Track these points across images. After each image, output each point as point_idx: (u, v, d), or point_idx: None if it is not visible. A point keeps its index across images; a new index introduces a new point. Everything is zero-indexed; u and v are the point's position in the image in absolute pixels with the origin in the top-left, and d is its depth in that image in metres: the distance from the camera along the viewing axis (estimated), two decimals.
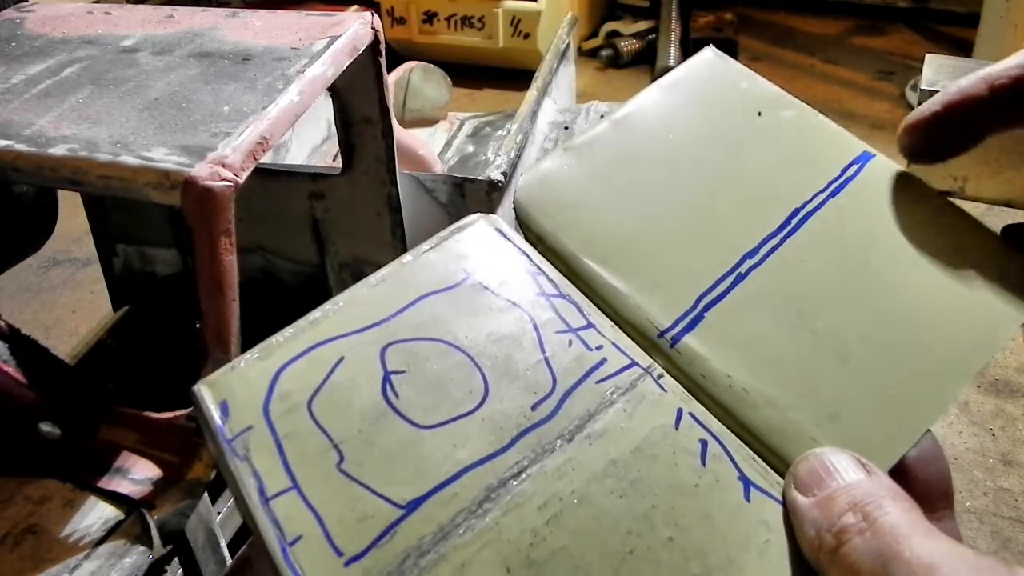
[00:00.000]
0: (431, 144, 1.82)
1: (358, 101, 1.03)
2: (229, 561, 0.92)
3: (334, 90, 1.01)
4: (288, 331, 0.32)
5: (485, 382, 0.32)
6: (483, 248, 0.36)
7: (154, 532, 0.79)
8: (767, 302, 0.35)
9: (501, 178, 1.22)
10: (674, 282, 0.35)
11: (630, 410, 0.31)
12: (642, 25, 3.17)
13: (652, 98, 0.41)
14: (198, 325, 0.90)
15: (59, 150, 0.73)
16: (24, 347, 0.84)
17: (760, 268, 0.35)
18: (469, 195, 1.23)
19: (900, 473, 0.31)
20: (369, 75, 1.00)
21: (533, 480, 0.29)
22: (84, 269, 2.09)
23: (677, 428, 0.31)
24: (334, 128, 1.09)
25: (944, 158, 0.35)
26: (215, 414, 0.30)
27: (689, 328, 0.34)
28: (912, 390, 0.33)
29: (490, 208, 1.22)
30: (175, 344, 1.24)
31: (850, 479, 0.29)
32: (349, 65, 0.91)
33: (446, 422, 0.30)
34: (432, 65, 2.06)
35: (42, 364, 0.85)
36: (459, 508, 0.28)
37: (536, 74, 1.58)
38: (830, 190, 0.38)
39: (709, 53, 0.43)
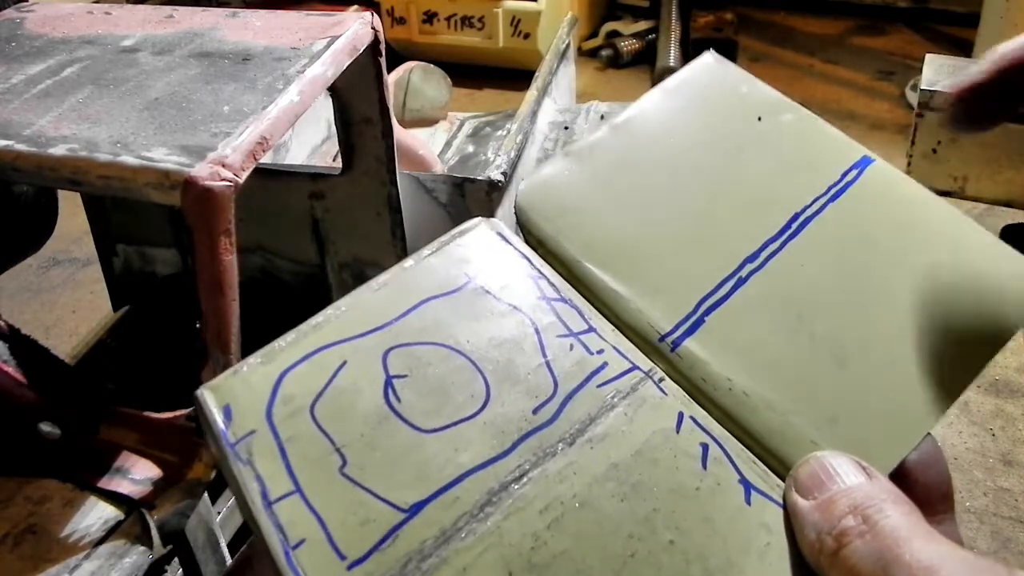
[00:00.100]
0: (431, 144, 1.82)
1: (358, 101, 1.03)
2: (229, 561, 0.92)
3: (334, 90, 1.01)
4: (291, 336, 0.32)
5: (487, 386, 0.32)
6: (484, 252, 0.36)
7: (154, 532, 0.79)
8: (767, 306, 0.35)
9: (501, 178, 1.22)
10: (675, 286, 0.35)
11: (631, 414, 0.31)
12: (642, 25, 3.17)
13: (652, 103, 0.41)
14: (198, 325, 0.90)
15: (59, 150, 0.73)
16: (24, 347, 0.84)
17: (760, 272, 0.36)
18: (469, 195, 1.23)
19: (900, 476, 0.31)
20: (369, 75, 1.00)
21: (534, 484, 0.29)
22: (84, 269, 2.09)
23: (678, 432, 0.31)
24: (334, 128, 1.09)
25: (996, 123, 0.34)
26: (218, 418, 0.30)
27: (690, 332, 0.34)
28: (912, 393, 0.33)
29: (490, 208, 1.22)
30: (175, 344, 1.24)
31: (851, 482, 0.29)
32: (349, 65, 0.91)
33: (448, 426, 0.31)
34: (432, 65, 2.06)
35: (42, 364, 0.85)
36: (461, 512, 0.28)
37: (536, 74, 1.58)
38: (830, 194, 0.38)
39: (709, 58, 0.43)
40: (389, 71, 1.06)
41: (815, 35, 3.29)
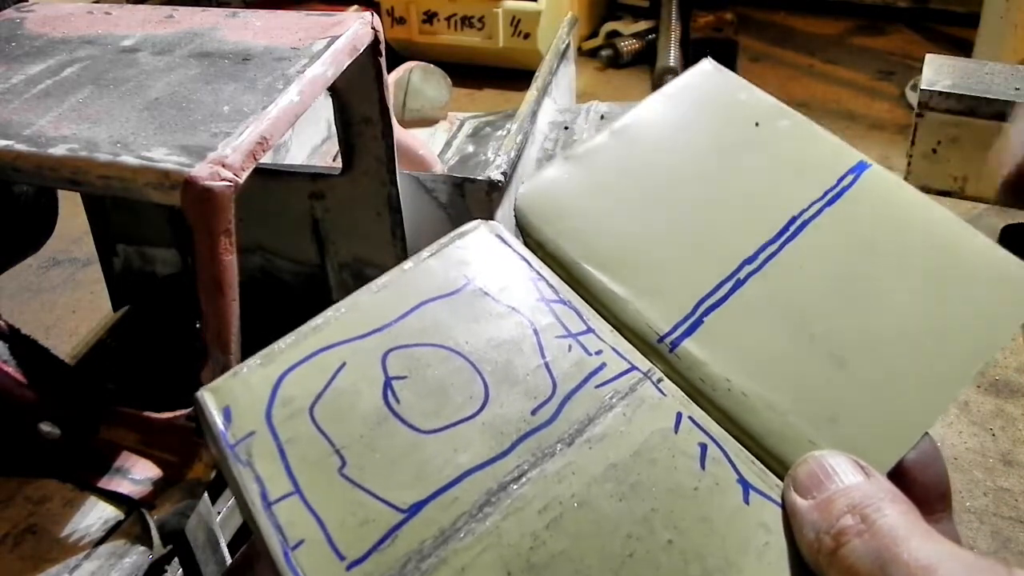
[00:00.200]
0: (431, 144, 1.82)
1: (358, 101, 1.03)
2: (229, 561, 0.92)
3: (334, 90, 1.01)
4: (290, 337, 0.33)
5: (485, 387, 0.32)
6: (484, 254, 0.36)
7: (154, 532, 0.79)
8: (765, 307, 0.35)
9: (501, 178, 1.22)
10: (673, 288, 0.36)
11: (629, 414, 0.32)
12: (642, 25, 3.17)
13: (651, 109, 0.42)
14: (198, 325, 0.90)
15: (59, 150, 0.73)
16: (24, 347, 0.84)
17: (758, 274, 0.36)
18: (469, 195, 1.23)
19: (898, 475, 0.31)
20: (369, 75, 1.00)
21: (533, 484, 0.29)
22: (84, 269, 2.09)
23: (676, 432, 0.31)
24: (334, 128, 1.09)
25: None
26: (218, 420, 0.30)
27: (688, 333, 0.34)
28: (910, 393, 0.33)
29: (490, 208, 1.22)
30: (175, 344, 1.24)
31: (849, 482, 0.29)
32: (349, 65, 0.91)
33: (447, 427, 0.31)
34: (432, 65, 2.06)
35: (42, 364, 0.85)
36: (460, 512, 0.29)
37: (536, 74, 1.58)
38: (827, 199, 0.38)
39: (707, 65, 0.44)
40: (389, 71, 1.06)
41: (815, 35, 3.29)
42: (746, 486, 0.30)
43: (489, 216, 0.39)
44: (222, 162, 0.72)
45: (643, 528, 0.29)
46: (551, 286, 0.36)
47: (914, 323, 0.34)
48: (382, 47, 0.99)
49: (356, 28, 0.93)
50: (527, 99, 1.48)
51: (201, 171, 0.70)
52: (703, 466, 0.31)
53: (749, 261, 0.36)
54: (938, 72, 1.46)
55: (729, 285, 0.36)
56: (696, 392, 0.33)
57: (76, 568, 0.76)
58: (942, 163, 1.47)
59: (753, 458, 0.31)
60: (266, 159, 1.18)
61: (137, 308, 1.35)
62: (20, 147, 0.74)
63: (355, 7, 1.25)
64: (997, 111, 1.40)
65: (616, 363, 0.33)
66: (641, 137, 0.41)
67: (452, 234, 0.37)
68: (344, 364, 0.32)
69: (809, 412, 0.32)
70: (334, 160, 1.59)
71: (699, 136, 0.41)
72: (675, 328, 0.34)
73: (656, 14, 3.16)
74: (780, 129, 0.41)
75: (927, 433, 0.32)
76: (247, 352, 0.33)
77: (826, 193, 0.38)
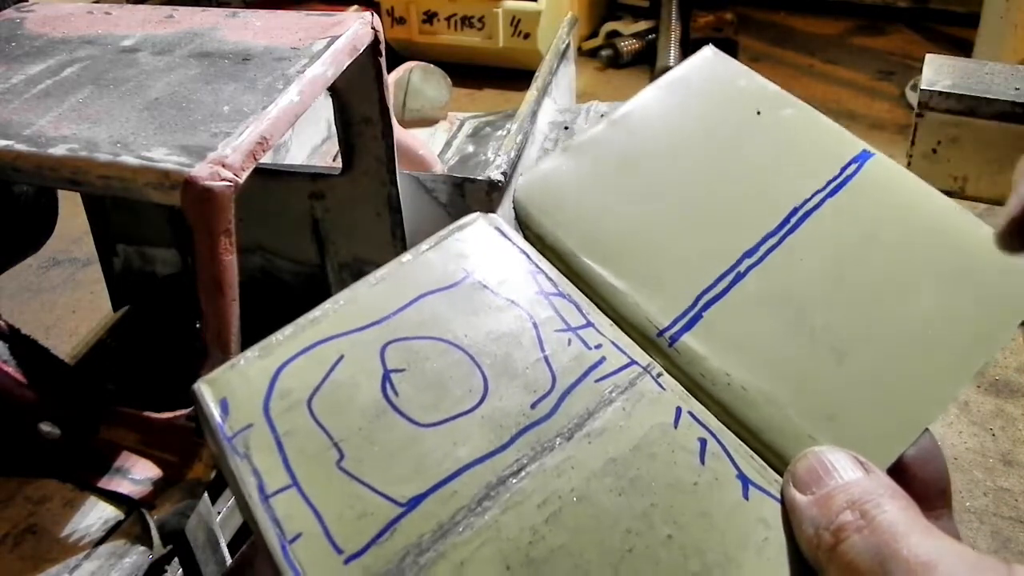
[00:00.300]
0: (431, 144, 1.82)
1: (358, 101, 1.03)
2: (229, 561, 0.92)
3: (334, 90, 1.01)
4: (288, 329, 0.32)
5: (485, 380, 0.32)
6: (482, 247, 0.36)
7: (154, 532, 0.79)
8: (766, 301, 0.35)
9: (501, 178, 1.22)
10: (673, 281, 0.35)
11: (629, 408, 0.31)
12: (642, 25, 3.17)
13: (651, 97, 0.41)
14: (198, 325, 0.90)
15: (59, 150, 0.73)
16: (24, 347, 0.84)
17: (759, 267, 0.35)
18: (469, 195, 1.23)
19: (898, 471, 0.31)
20: (369, 75, 1.00)
21: (532, 478, 0.29)
22: (84, 269, 2.09)
23: (676, 426, 0.31)
24: (334, 128, 1.09)
25: None
26: (215, 412, 0.30)
27: (688, 327, 0.34)
28: (910, 389, 0.33)
29: (490, 208, 1.22)
30: (175, 344, 1.24)
31: (848, 477, 0.29)
32: (349, 65, 0.91)
33: (446, 420, 0.31)
34: (432, 65, 2.06)
35: (42, 364, 0.85)
36: (459, 506, 0.28)
37: (536, 74, 1.58)
38: (829, 189, 0.38)
39: (708, 52, 0.43)
40: (389, 71, 1.06)
41: (815, 35, 3.29)
42: (745, 481, 0.30)
43: None
44: (222, 162, 0.72)
45: (642, 523, 0.29)
46: (550, 279, 0.36)
47: (916, 317, 0.34)
48: (382, 47, 0.99)
49: (356, 28, 0.93)
50: (527, 99, 1.48)
51: (201, 171, 0.70)
52: (703, 461, 0.30)
53: (750, 254, 0.36)
54: (938, 72, 1.46)
55: (729, 278, 0.35)
56: (696, 387, 0.33)
57: (76, 568, 0.76)
58: (942, 163, 1.47)
59: (753, 453, 0.31)
60: (266, 159, 1.18)
61: (137, 308, 1.35)
62: (20, 147, 0.74)
63: (355, 7, 1.25)
64: (997, 111, 1.40)
65: (616, 357, 0.33)
66: (640, 126, 0.40)
67: (451, 227, 0.37)
68: (342, 357, 0.32)
69: (809, 407, 0.32)
70: (334, 160, 1.59)
71: (699, 125, 0.40)
72: (675, 322, 0.34)
73: (656, 14, 3.16)
74: (782, 117, 0.40)
75: (927, 429, 0.32)
76: None
77: (828, 183, 0.38)
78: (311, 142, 1.70)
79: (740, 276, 0.35)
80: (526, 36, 2.78)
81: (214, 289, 0.74)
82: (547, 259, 0.36)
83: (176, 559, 0.87)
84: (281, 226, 1.23)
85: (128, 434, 0.85)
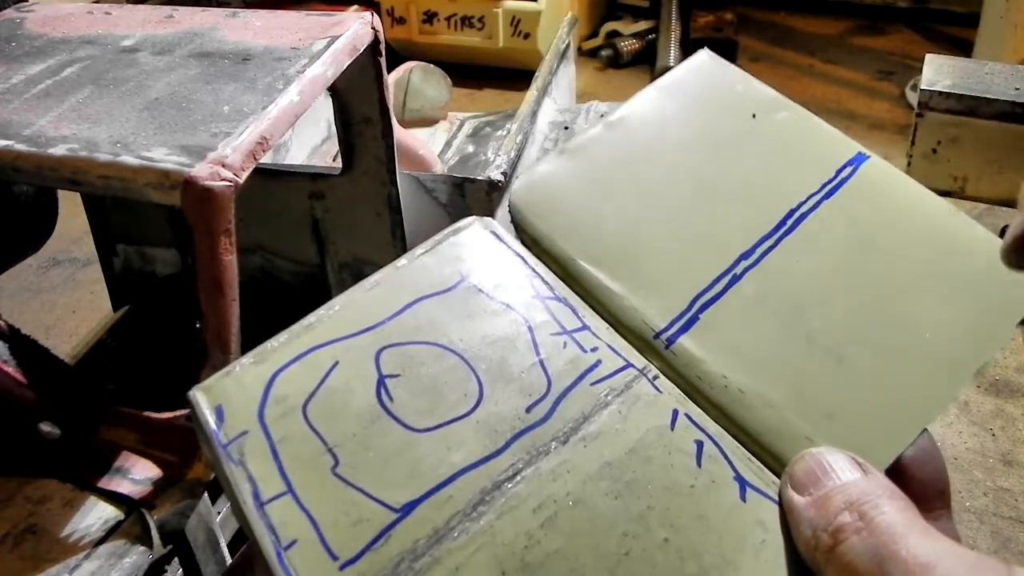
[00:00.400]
0: (431, 144, 1.82)
1: (358, 101, 1.03)
2: (229, 561, 0.92)
3: (334, 90, 1.01)
4: (283, 336, 0.32)
5: (480, 385, 0.32)
6: (478, 251, 0.36)
7: (154, 532, 0.79)
8: (762, 303, 0.35)
9: (501, 178, 1.22)
10: (669, 284, 0.35)
11: (625, 412, 0.31)
12: (642, 25, 3.17)
13: (647, 100, 0.41)
14: (198, 325, 0.90)
15: (59, 150, 0.73)
16: (24, 347, 0.84)
17: (755, 269, 0.35)
18: (469, 195, 1.23)
19: (897, 472, 0.31)
20: (369, 75, 1.00)
21: (528, 482, 0.29)
22: (84, 269, 2.09)
23: (672, 429, 0.31)
24: (334, 128, 1.09)
25: None
26: (210, 419, 0.30)
27: (684, 329, 0.34)
28: (909, 390, 0.32)
29: (490, 208, 1.22)
30: (175, 344, 1.24)
31: (846, 478, 0.29)
32: (349, 65, 0.91)
33: (441, 425, 0.30)
34: (432, 65, 2.06)
35: (42, 364, 0.85)
36: (454, 511, 0.28)
37: (536, 74, 1.58)
38: (825, 191, 0.38)
39: (704, 55, 0.43)
40: (389, 71, 1.06)
41: (815, 35, 3.28)
42: (743, 483, 0.30)
43: (489, 216, 0.38)
44: (222, 162, 0.72)
45: (639, 526, 0.29)
46: (546, 283, 0.35)
47: (913, 318, 0.34)
48: (382, 47, 0.99)
49: (356, 28, 0.93)
50: (527, 99, 1.48)
51: (201, 171, 0.70)
52: (699, 463, 0.30)
53: (746, 256, 0.36)
54: (938, 72, 1.46)
55: (726, 280, 0.35)
56: (693, 389, 0.33)
57: (76, 568, 0.76)
58: (942, 163, 1.47)
59: (750, 455, 0.31)
60: (266, 159, 1.18)
61: (137, 308, 1.35)
62: (20, 147, 0.74)
63: (355, 7, 1.25)
64: (997, 111, 1.40)
65: (612, 360, 0.33)
66: (636, 129, 0.40)
67: (446, 231, 0.37)
68: (337, 362, 0.32)
69: (806, 409, 0.32)
70: (334, 160, 1.59)
71: (695, 128, 0.40)
72: (671, 324, 0.34)
73: (656, 14, 3.16)
74: (778, 121, 0.40)
75: (926, 430, 0.32)
76: (247, 352, 0.33)
77: (824, 185, 0.38)
78: (311, 142, 1.70)
79: (737, 278, 0.35)
80: (526, 36, 2.78)
81: (214, 289, 0.74)
82: (543, 262, 0.36)
83: (176, 559, 0.87)
84: (281, 226, 1.23)
85: (128, 434, 0.85)
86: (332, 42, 0.90)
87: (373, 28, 0.96)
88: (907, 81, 2.81)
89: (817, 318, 0.34)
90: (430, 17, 2.85)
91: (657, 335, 0.34)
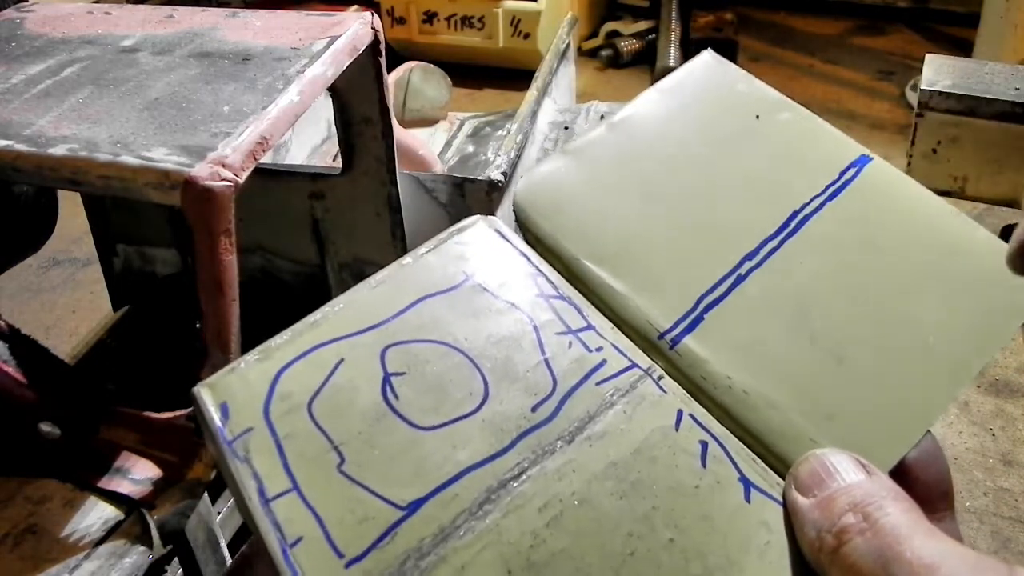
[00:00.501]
0: (431, 144, 1.82)
1: (358, 101, 1.03)
2: (229, 561, 0.92)
3: (334, 90, 1.01)
4: (287, 333, 0.32)
5: (485, 384, 0.32)
6: (482, 250, 0.36)
7: (154, 532, 0.79)
8: (767, 304, 0.35)
9: (501, 178, 1.22)
10: (674, 284, 0.35)
11: (630, 411, 0.31)
12: (642, 25, 3.17)
13: (650, 101, 0.41)
14: (198, 325, 0.90)
15: (59, 150, 0.73)
16: (24, 347, 0.84)
17: (759, 270, 0.35)
18: (469, 195, 1.23)
19: (900, 474, 0.31)
20: (369, 75, 1.00)
21: (533, 481, 0.29)
22: (84, 269, 2.09)
23: (677, 429, 0.31)
24: (334, 128, 1.09)
25: None
26: (215, 416, 0.30)
27: (689, 330, 0.34)
28: (912, 391, 0.33)
29: (490, 208, 1.22)
30: (175, 344, 1.24)
31: (851, 480, 0.29)
32: (349, 65, 0.91)
33: (446, 423, 0.30)
34: (432, 65, 2.06)
35: (42, 364, 0.85)
36: (459, 509, 0.28)
37: (536, 74, 1.58)
38: (828, 193, 0.38)
39: (707, 57, 0.43)
40: (389, 71, 1.06)
41: (815, 35, 3.29)
42: (747, 484, 0.30)
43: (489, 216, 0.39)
44: (222, 162, 0.72)
45: (644, 526, 0.29)
46: (550, 282, 0.35)
47: (915, 319, 0.34)
48: (382, 47, 0.99)
49: (356, 28, 0.93)
50: (527, 99, 1.48)
51: (201, 171, 0.70)
52: (704, 464, 0.30)
53: (750, 256, 0.36)
54: (938, 72, 1.46)
55: (730, 281, 0.35)
56: (697, 389, 0.33)
57: (76, 568, 0.76)
58: (942, 163, 1.47)
59: (755, 456, 0.31)
60: (266, 159, 1.18)
61: (137, 308, 1.35)
62: (20, 147, 0.74)
63: (355, 7, 1.25)
64: (997, 111, 1.40)
65: (617, 360, 0.33)
66: (639, 130, 0.40)
67: (450, 230, 0.37)
68: (342, 360, 0.32)
69: (811, 410, 0.32)
70: (334, 160, 1.59)
71: (699, 129, 0.40)
72: (676, 325, 0.34)
73: (656, 14, 3.16)
74: (781, 122, 0.40)
75: (929, 431, 0.32)
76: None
77: (828, 187, 0.38)
78: (311, 142, 1.70)
79: (741, 279, 0.35)
80: (526, 36, 2.78)
81: (214, 289, 0.74)
82: (547, 262, 0.36)
83: (176, 559, 0.87)
84: (281, 226, 1.23)
85: (128, 434, 0.85)
86: (332, 42, 0.90)
87: (373, 28, 0.96)
88: (907, 81, 2.81)
89: (820, 319, 0.34)
90: (430, 17, 2.85)
91: (662, 335, 0.34)
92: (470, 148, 1.80)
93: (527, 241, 0.37)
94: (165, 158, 0.72)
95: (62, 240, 2.08)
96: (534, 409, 0.31)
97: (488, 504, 0.29)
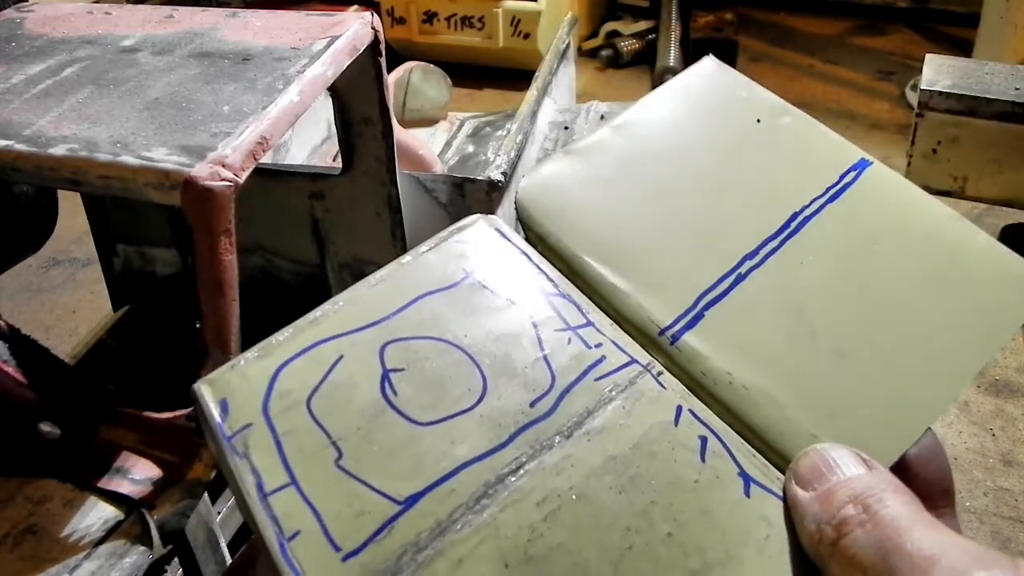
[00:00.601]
0: (431, 144, 1.82)
1: (358, 101, 1.03)
2: (229, 561, 0.92)
3: (334, 90, 1.01)
4: (287, 330, 0.33)
5: (484, 379, 0.32)
6: (482, 248, 0.36)
7: (154, 532, 0.79)
8: (767, 302, 0.35)
9: (501, 178, 1.22)
10: (674, 281, 0.35)
11: (629, 407, 0.31)
12: (642, 25, 3.18)
13: (652, 105, 0.42)
14: (198, 325, 0.90)
15: (59, 150, 0.73)
16: (24, 347, 0.84)
17: (760, 269, 0.36)
18: (469, 195, 1.23)
19: (901, 470, 0.31)
20: (369, 75, 1.00)
21: (531, 476, 0.29)
22: (84, 269, 2.09)
23: (676, 425, 0.31)
24: (334, 128, 1.09)
25: None
26: (215, 412, 0.30)
27: (689, 326, 0.34)
28: (912, 389, 0.33)
29: (490, 208, 1.22)
30: (175, 344, 1.24)
31: (851, 473, 0.29)
32: (349, 65, 0.91)
33: (444, 419, 0.31)
34: (432, 65, 2.06)
35: (42, 364, 0.85)
36: (457, 504, 0.28)
37: (536, 74, 1.58)
38: (828, 195, 0.38)
39: (709, 62, 0.44)
40: (389, 71, 1.06)
41: (815, 35, 3.29)
42: (747, 479, 0.30)
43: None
44: (222, 162, 0.72)
45: (642, 521, 0.29)
46: (550, 279, 0.36)
47: (915, 320, 0.34)
48: (382, 47, 0.99)
49: (356, 28, 0.93)
50: (527, 99, 1.49)
51: (201, 171, 0.70)
52: (703, 459, 0.30)
53: (750, 256, 0.36)
54: (938, 72, 1.46)
55: (730, 279, 0.36)
56: (697, 385, 0.33)
57: (76, 568, 0.76)
58: (942, 163, 1.47)
59: (754, 451, 0.31)
60: (266, 159, 1.18)
61: (137, 308, 1.35)
62: (20, 147, 0.74)
63: (355, 7, 1.25)
64: (997, 111, 1.40)
65: (616, 356, 0.33)
66: (642, 132, 0.41)
67: (451, 228, 0.37)
68: (341, 357, 0.32)
69: (811, 406, 0.32)
70: (334, 160, 1.59)
71: (700, 132, 0.41)
72: (676, 321, 0.34)
73: (656, 14, 3.16)
74: (781, 126, 0.41)
75: (930, 428, 0.32)
76: None
77: (828, 190, 0.38)
78: (311, 142, 1.70)
79: (741, 277, 0.36)
80: (526, 36, 2.78)
81: (214, 289, 0.74)
82: (549, 260, 0.37)
83: (176, 559, 0.87)
84: (281, 226, 1.23)
85: (128, 434, 0.85)
86: (332, 42, 0.90)
87: (373, 28, 0.96)
88: (907, 81, 2.81)
89: (821, 317, 0.34)
90: (430, 17, 2.85)
91: (662, 332, 0.34)
92: (470, 148, 1.80)
93: (528, 240, 0.37)
94: (165, 158, 0.72)
95: (62, 240, 2.08)
96: (532, 404, 0.31)
97: (485, 498, 0.29)
